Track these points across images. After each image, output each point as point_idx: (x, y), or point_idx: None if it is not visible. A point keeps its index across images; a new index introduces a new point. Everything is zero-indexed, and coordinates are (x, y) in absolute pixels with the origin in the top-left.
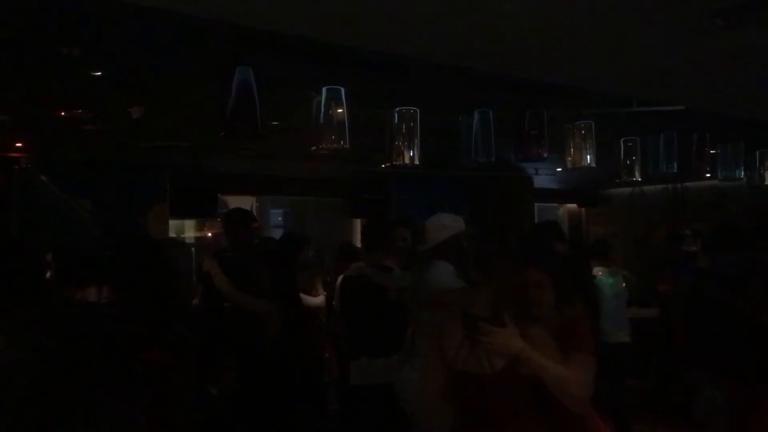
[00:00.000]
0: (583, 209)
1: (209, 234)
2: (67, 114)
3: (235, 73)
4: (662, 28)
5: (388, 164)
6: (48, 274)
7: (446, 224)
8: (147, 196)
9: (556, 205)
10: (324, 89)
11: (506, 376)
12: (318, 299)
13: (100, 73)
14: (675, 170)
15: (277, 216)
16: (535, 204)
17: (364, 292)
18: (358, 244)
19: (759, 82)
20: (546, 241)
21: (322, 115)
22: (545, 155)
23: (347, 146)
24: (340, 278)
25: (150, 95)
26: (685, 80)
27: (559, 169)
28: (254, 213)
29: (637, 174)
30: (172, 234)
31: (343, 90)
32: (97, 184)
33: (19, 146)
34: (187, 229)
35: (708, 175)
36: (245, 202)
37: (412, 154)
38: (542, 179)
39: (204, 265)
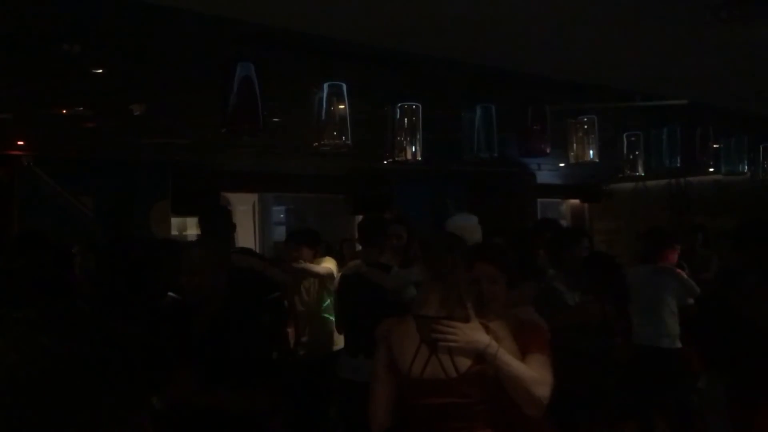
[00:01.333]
0: (586, 205)
1: None
2: (69, 111)
3: (237, 70)
4: (666, 21)
5: (389, 160)
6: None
7: (477, 224)
8: (149, 193)
9: (558, 200)
10: (325, 85)
11: (471, 378)
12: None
13: (101, 71)
14: (678, 165)
15: (279, 213)
16: (538, 200)
17: (361, 291)
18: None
19: (763, 76)
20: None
21: (323, 111)
22: (548, 150)
23: (349, 142)
24: (338, 276)
25: (151, 92)
26: (688, 74)
27: (562, 165)
28: (256, 210)
29: (640, 169)
30: (174, 231)
31: (344, 86)
32: (99, 182)
33: (20, 144)
34: (190, 227)
35: (711, 169)
36: (247, 200)
37: (414, 149)
38: (545, 175)
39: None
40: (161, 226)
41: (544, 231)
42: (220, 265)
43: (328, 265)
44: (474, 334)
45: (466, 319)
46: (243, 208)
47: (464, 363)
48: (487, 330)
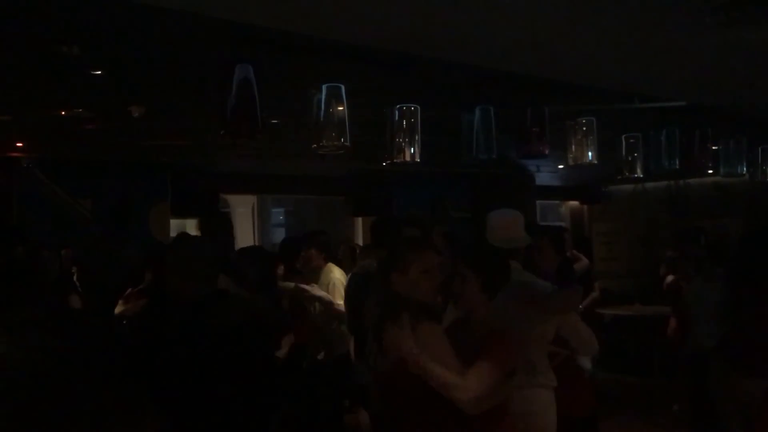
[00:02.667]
0: (585, 206)
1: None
2: (68, 113)
3: (236, 71)
4: (665, 23)
5: (388, 162)
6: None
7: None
8: (148, 195)
9: (558, 202)
10: (324, 87)
11: (399, 375)
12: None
13: (100, 72)
14: (677, 166)
15: (278, 215)
16: (537, 201)
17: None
18: (360, 242)
19: (762, 78)
20: None
21: (322, 112)
22: (547, 152)
23: (348, 144)
24: (348, 276)
25: (150, 94)
26: (687, 76)
27: (561, 166)
28: (255, 211)
29: (638, 170)
30: (173, 233)
31: (343, 87)
32: (98, 184)
33: (19, 146)
34: (188, 228)
35: (710, 171)
36: (247, 201)
37: (412, 151)
38: (544, 176)
39: None
40: (160, 228)
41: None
42: (209, 268)
43: (336, 275)
44: (397, 338)
45: (398, 324)
46: (242, 209)
47: (390, 362)
48: (415, 333)
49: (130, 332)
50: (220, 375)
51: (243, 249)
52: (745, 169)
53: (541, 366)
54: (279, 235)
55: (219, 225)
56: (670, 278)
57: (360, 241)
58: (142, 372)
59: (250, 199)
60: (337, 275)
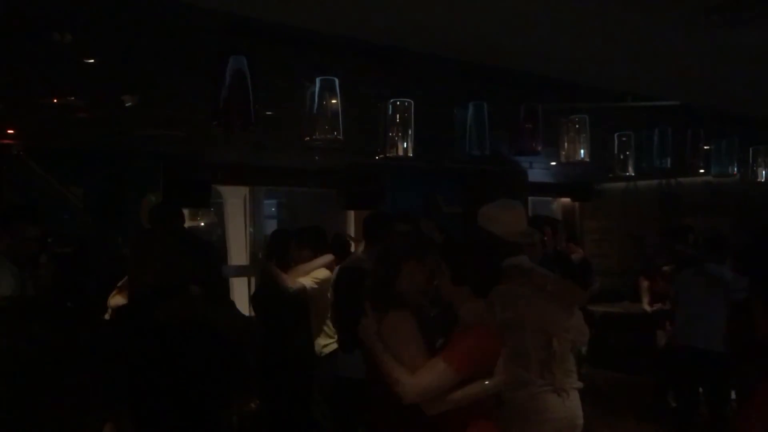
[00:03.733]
0: (576, 204)
1: (202, 224)
2: (60, 101)
3: (229, 63)
4: (658, 23)
5: (382, 156)
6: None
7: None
8: (140, 184)
9: (550, 199)
10: (318, 79)
11: (369, 363)
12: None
13: (92, 61)
14: (668, 165)
15: (271, 207)
16: (529, 198)
17: (360, 285)
18: (353, 235)
19: (753, 78)
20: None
21: (315, 105)
22: (539, 149)
23: (341, 137)
24: (336, 269)
25: (144, 83)
26: (680, 75)
27: (554, 163)
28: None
29: (630, 169)
30: None
31: (337, 81)
32: (89, 173)
33: (10, 133)
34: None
35: (702, 170)
36: (239, 192)
37: (405, 145)
38: (536, 173)
39: None
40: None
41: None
42: (159, 261)
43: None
44: (363, 327)
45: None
46: (234, 200)
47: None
48: (381, 323)
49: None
50: (159, 370)
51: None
52: (736, 169)
53: (572, 366)
54: (271, 226)
55: (168, 215)
56: (645, 284)
57: (353, 235)
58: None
59: (243, 190)
60: (319, 276)
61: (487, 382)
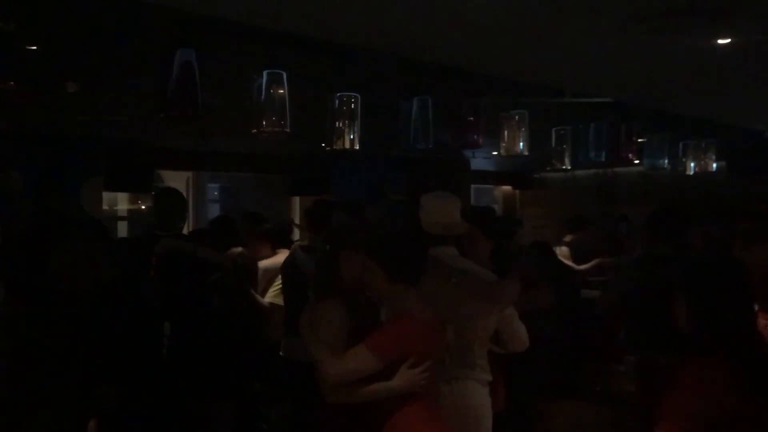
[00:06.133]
0: (517, 191)
1: (143, 207)
2: (0, 86)
3: (177, 54)
4: (593, 26)
5: (329, 148)
6: None
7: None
8: (81, 169)
9: (491, 186)
10: (265, 72)
11: None
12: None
13: (35, 48)
14: (603, 159)
15: (214, 191)
16: (472, 185)
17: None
18: (297, 221)
19: (683, 79)
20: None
21: (263, 98)
22: (481, 142)
23: (287, 130)
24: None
25: (89, 71)
26: (614, 74)
27: (495, 153)
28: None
29: (567, 162)
30: (105, 207)
31: (284, 74)
32: (27, 156)
33: None
34: (120, 202)
35: (636, 161)
36: (181, 176)
37: (352, 137)
38: (479, 162)
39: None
40: (93, 202)
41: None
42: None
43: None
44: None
45: None
46: (176, 184)
47: None
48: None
49: None
50: None
51: None
52: (666, 162)
53: (481, 360)
54: (214, 211)
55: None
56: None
57: (297, 221)
58: None
59: (184, 174)
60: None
61: (394, 382)
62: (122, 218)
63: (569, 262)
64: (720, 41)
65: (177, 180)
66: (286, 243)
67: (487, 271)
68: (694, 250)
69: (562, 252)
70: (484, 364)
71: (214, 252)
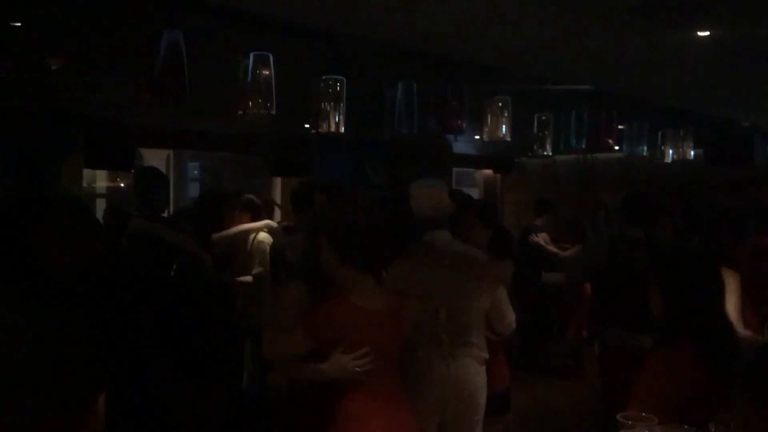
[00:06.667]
0: (498, 176)
1: (122, 184)
2: None
3: (164, 35)
4: (576, 17)
5: (314, 131)
6: None
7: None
8: (60, 146)
9: (473, 170)
10: (252, 54)
11: None
12: None
13: (19, 24)
14: (584, 146)
15: (194, 169)
16: (454, 168)
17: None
18: (279, 202)
19: (663, 70)
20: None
21: (249, 79)
22: (464, 127)
23: (273, 112)
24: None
25: (72, 49)
26: (595, 63)
27: (477, 137)
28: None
29: (548, 148)
30: (84, 184)
31: (271, 56)
32: (6, 133)
33: None
34: (99, 179)
35: (617, 148)
36: (160, 155)
37: (337, 120)
38: (461, 145)
39: None
40: (73, 179)
41: None
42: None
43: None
44: None
45: None
46: (156, 162)
47: None
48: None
49: None
50: None
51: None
52: (645, 149)
53: (477, 338)
54: (194, 189)
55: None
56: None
57: (279, 201)
58: None
59: (165, 152)
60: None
61: (323, 365)
62: (101, 195)
63: (551, 248)
64: (699, 33)
65: (157, 158)
66: (268, 215)
67: (479, 251)
68: (662, 235)
69: (543, 237)
70: (481, 343)
71: (179, 234)
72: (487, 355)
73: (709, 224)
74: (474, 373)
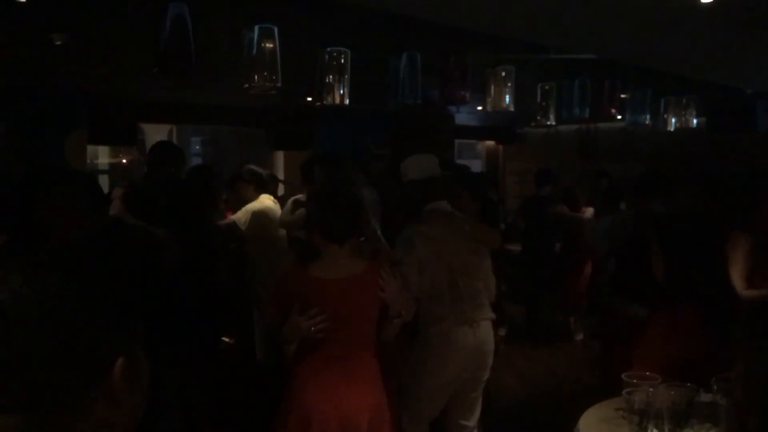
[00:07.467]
0: (500, 146)
1: (124, 160)
2: None
3: (170, 8)
4: None
5: (318, 103)
6: None
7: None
8: (64, 121)
9: (475, 141)
10: (256, 27)
11: None
12: None
13: (23, 1)
14: (587, 115)
15: (196, 144)
16: (456, 140)
17: None
18: (280, 176)
19: (666, 36)
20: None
21: (254, 52)
22: (467, 97)
23: (279, 85)
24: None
25: (75, 23)
26: (597, 31)
27: (479, 108)
28: (174, 139)
29: (551, 117)
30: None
31: (276, 28)
32: (10, 108)
33: None
34: (101, 155)
35: (619, 117)
36: (162, 129)
37: (342, 92)
38: (463, 117)
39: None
40: (77, 155)
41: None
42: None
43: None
44: None
45: None
46: (158, 137)
47: None
48: None
49: None
50: None
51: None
52: (648, 118)
53: (486, 300)
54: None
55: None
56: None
57: (280, 175)
58: None
59: (166, 127)
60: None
61: (283, 328)
62: (103, 172)
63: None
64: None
65: (159, 133)
66: (268, 189)
67: (473, 219)
68: (681, 206)
69: (561, 209)
70: (488, 304)
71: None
72: (494, 316)
73: (724, 191)
74: (491, 336)
